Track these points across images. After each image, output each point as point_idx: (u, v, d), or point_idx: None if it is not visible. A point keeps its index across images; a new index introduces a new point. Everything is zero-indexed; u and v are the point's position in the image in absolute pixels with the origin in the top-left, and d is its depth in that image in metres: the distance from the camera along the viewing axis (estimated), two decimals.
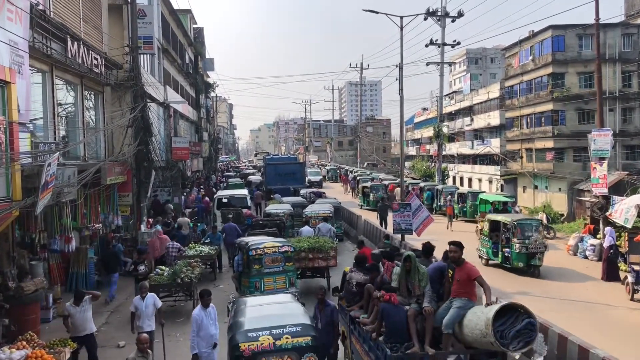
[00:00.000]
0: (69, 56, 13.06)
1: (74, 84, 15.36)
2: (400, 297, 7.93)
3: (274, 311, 7.70)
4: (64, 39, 12.88)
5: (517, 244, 16.99)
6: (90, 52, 14.86)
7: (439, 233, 20.59)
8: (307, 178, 43.58)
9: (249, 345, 6.48)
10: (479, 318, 6.87)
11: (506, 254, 17.51)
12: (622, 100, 35.49)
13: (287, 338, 6.64)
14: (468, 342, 7.18)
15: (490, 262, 18.60)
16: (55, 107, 13.42)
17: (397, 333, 7.54)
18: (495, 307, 6.75)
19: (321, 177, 56.50)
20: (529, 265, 17.17)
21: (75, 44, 13.49)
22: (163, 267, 13.43)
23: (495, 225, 18.45)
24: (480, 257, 19.11)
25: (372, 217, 25.89)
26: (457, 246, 7.43)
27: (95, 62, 15.31)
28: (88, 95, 17.05)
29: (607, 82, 33.48)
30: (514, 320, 6.66)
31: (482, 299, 7.40)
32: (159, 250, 16.28)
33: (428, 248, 9.36)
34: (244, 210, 22.64)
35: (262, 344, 6.53)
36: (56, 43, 12.65)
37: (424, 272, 7.96)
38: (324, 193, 36.85)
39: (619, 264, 16.95)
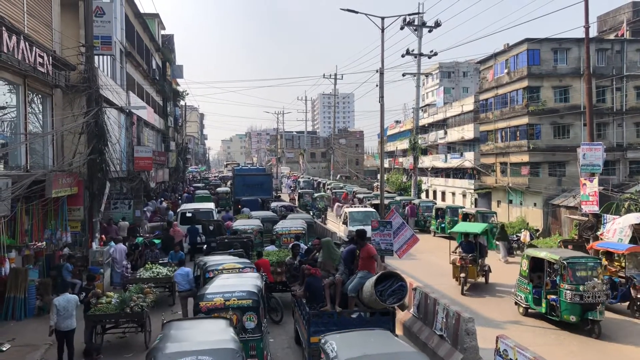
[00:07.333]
0: (5, 51, 11.39)
1: (15, 84, 13.63)
2: (322, 271, 10.64)
3: (232, 282, 9.69)
4: None
5: (567, 291, 12.60)
6: (35, 48, 13.19)
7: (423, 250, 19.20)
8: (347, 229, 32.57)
9: (206, 304, 8.66)
10: (369, 283, 9.38)
11: (552, 302, 13.19)
12: (596, 115, 35.27)
13: (234, 300, 8.74)
14: (366, 303, 9.64)
15: (530, 311, 14.17)
16: None
17: (317, 297, 10.08)
18: (377, 275, 9.37)
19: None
20: (584, 320, 12.69)
21: (14, 37, 11.83)
22: (110, 294, 11.74)
23: (537, 264, 14.11)
24: (517, 303, 14.63)
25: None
26: (358, 236, 10.39)
27: (40, 60, 13.64)
28: (34, 98, 15.32)
29: (582, 96, 33.19)
30: (391, 284, 9.22)
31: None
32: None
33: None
34: (227, 222, 22.82)
35: (215, 303, 8.66)
36: None
37: (338, 254, 10.79)
38: (296, 207, 35.39)
39: None
